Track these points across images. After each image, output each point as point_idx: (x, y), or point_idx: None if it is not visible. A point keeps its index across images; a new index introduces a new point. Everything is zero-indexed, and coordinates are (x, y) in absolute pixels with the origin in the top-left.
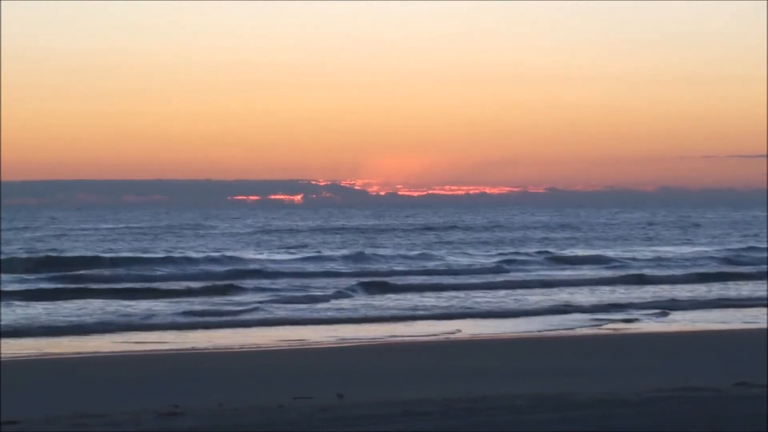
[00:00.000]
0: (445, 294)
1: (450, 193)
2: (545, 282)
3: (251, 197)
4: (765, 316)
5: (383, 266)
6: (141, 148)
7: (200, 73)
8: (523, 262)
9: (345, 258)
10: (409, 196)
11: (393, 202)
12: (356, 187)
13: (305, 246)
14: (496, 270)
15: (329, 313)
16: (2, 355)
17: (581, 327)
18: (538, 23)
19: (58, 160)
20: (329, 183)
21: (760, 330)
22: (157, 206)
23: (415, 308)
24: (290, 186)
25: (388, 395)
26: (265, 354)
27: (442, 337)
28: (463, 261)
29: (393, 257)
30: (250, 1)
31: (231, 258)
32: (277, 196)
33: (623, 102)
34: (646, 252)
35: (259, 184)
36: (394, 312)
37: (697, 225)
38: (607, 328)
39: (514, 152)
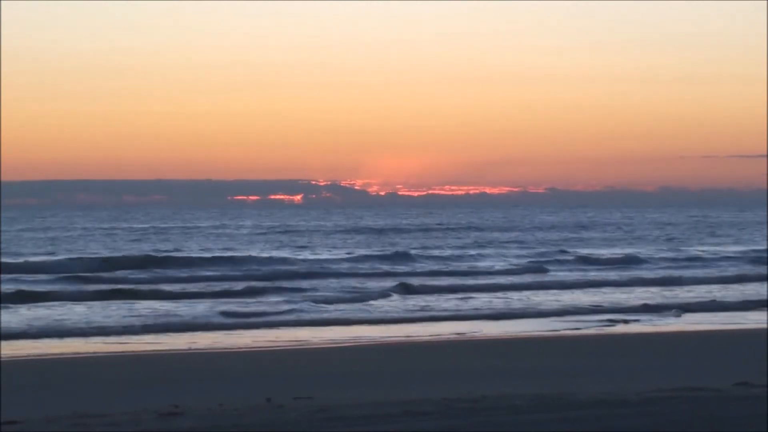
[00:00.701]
0: (477, 295)
1: (450, 193)
2: (580, 283)
3: (251, 197)
4: None
5: (420, 267)
6: (141, 148)
7: (200, 73)
8: (554, 262)
9: (382, 258)
10: (409, 195)
11: (393, 202)
12: (356, 187)
13: (318, 245)
14: (529, 270)
15: (378, 313)
16: (2, 355)
17: (587, 327)
18: (538, 23)
19: (58, 160)
20: (329, 183)
21: (760, 330)
22: (158, 206)
23: (457, 309)
24: (290, 186)
25: (388, 395)
26: (265, 354)
27: (443, 337)
28: (497, 262)
29: (427, 258)
30: (250, 1)
31: (268, 258)
32: (277, 196)
33: (623, 102)
34: (673, 252)
35: (259, 184)
36: (437, 313)
37: (714, 225)
38: (608, 329)
39: (514, 152)
